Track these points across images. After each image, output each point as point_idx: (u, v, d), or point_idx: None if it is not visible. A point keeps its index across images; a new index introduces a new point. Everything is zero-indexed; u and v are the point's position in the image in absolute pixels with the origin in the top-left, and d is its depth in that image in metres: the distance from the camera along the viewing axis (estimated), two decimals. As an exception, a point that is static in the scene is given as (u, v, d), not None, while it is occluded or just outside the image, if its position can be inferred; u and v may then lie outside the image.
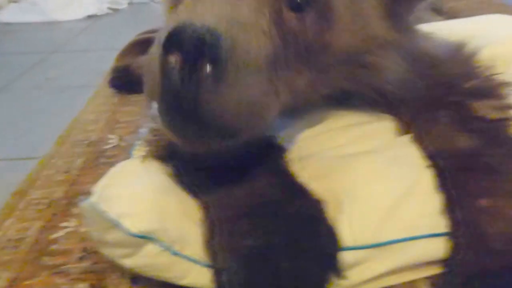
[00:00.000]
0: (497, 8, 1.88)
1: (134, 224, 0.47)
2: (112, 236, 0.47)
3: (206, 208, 0.51)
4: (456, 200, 0.54)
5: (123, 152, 0.91)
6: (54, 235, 0.69)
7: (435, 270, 0.53)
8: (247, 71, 0.43)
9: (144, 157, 0.60)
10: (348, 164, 0.56)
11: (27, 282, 0.60)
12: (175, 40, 0.39)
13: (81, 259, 0.62)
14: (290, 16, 0.48)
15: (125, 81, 1.24)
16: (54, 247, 0.67)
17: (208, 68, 0.39)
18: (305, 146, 0.59)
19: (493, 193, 0.53)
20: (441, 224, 0.53)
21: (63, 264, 0.62)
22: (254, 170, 0.52)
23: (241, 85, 0.43)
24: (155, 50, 0.43)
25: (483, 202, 0.52)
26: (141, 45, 1.41)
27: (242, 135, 0.46)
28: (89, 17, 2.57)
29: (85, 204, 0.49)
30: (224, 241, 0.48)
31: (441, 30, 0.73)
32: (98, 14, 2.64)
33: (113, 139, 0.99)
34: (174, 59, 0.39)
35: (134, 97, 1.21)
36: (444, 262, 0.52)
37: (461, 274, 0.50)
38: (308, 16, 0.49)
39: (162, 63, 0.40)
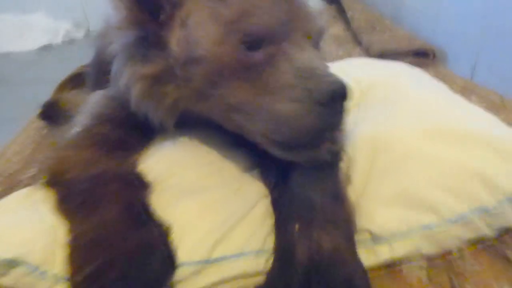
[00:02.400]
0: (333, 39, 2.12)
1: (3, 251, 0.61)
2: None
3: (69, 234, 0.65)
4: (280, 224, 0.70)
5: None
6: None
7: (262, 279, 0.68)
8: None
9: (34, 187, 0.74)
10: (197, 195, 0.72)
11: None
12: (340, 94, 0.63)
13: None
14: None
15: (53, 114, 1.38)
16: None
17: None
18: (165, 178, 0.74)
19: (306, 219, 0.67)
20: (268, 243, 0.69)
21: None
22: (110, 199, 0.67)
23: None
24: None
25: (297, 226, 0.67)
26: (77, 78, 1.57)
27: None
28: (44, 47, 2.71)
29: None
30: (74, 265, 0.62)
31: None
32: (53, 44, 2.78)
33: (32, 171, 1.12)
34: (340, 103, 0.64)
35: (62, 128, 1.34)
36: (266, 275, 0.67)
37: (275, 285, 0.64)
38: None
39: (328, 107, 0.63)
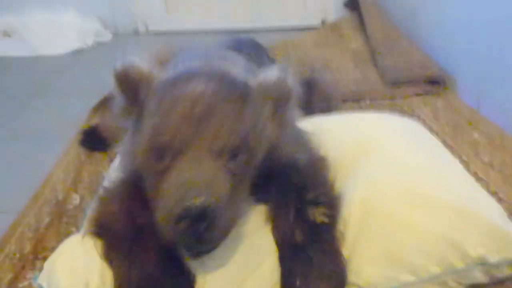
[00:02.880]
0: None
1: (65, 291, 0.79)
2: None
3: (115, 281, 0.84)
4: (284, 277, 0.87)
5: (81, 213, 1.23)
6: (21, 285, 1.01)
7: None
8: (222, 219, 0.77)
9: (82, 234, 0.93)
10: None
11: (0, 322, 0.92)
12: (184, 216, 0.72)
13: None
14: (231, 165, 0.80)
15: (92, 141, 1.57)
16: (21, 293, 0.99)
17: (203, 226, 0.73)
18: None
19: (305, 275, 0.84)
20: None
21: (26, 307, 0.95)
22: (149, 252, 0.85)
23: (221, 226, 0.77)
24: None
25: (298, 279, 0.84)
26: (108, 102, 1.74)
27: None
28: (75, 51, 2.86)
29: (35, 281, 0.81)
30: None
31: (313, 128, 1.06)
32: (84, 48, 2.95)
33: (75, 200, 1.31)
34: (184, 224, 0.73)
35: (99, 155, 1.53)
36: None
37: None
38: (240, 159, 0.81)
39: (176, 225, 0.73)
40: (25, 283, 1.02)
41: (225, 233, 0.81)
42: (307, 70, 1.73)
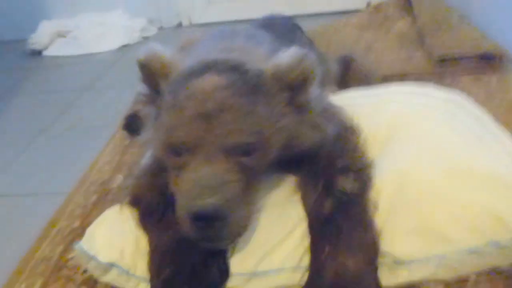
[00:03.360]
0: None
1: (103, 257, 0.86)
2: (92, 264, 0.87)
3: (150, 244, 0.89)
4: (313, 246, 0.88)
5: (122, 191, 1.30)
6: (71, 255, 1.09)
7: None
8: (236, 216, 0.80)
9: (121, 205, 0.99)
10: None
11: (52, 286, 1.00)
12: (198, 217, 0.76)
13: (83, 272, 1.02)
14: (245, 160, 0.82)
15: (134, 126, 1.65)
16: (70, 263, 1.07)
17: (217, 225, 0.77)
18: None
19: (334, 244, 0.85)
20: (303, 260, 0.87)
21: (74, 274, 1.02)
22: None
23: (235, 223, 0.81)
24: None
25: (327, 248, 0.85)
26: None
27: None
28: (123, 46, 3.03)
29: (76, 245, 0.89)
30: (153, 269, 0.85)
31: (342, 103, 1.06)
32: (131, 43, 3.11)
33: (119, 179, 1.39)
34: (199, 224, 0.77)
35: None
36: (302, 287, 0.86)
37: None
38: (255, 155, 0.83)
39: (192, 224, 0.77)
40: (74, 254, 1.10)
41: (240, 229, 0.83)
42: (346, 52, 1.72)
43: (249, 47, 1.02)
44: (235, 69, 0.85)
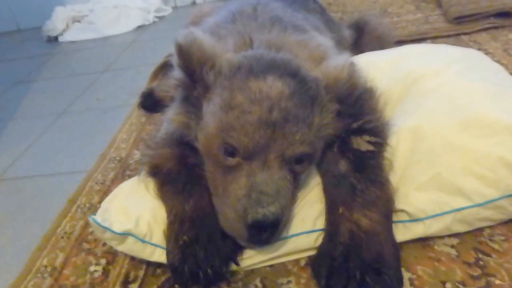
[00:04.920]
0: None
1: (118, 227, 0.86)
2: (107, 235, 0.88)
3: (169, 212, 0.89)
4: (328, 206, 0.86)
5: (140, 162, 1.31)
6: (91, 229, 1.11)
7: (312, 253, 0.86)
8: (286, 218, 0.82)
9: (138, 177, 0.99)
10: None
11: (73, 259, 1.02)
12: (257, 223, 0.76)
13: (103, 245, 1.04)
14: (297, 168, 0.83)
15: (150, 103, 1.65)
16: (90, 237, 1.09)
17: (271, 231, 0.78)
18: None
19: (349, 203, 0.83)
20: (319, 223, 0.86)
21: (94, 247, 1.04)
22: (201, 190, 0.89)
23: (283, 227, 0.83)
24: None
25: (341, 209, 0.83)
26: (166, 67, 1.82)
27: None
28: (138, 28, 3.03)
29: (91, 217, 0.89)
30: (171, 235, 0.85)
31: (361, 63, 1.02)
32: (146, 24, 3.10)
33: (136, 155, 1.40)
34: (256, 231, 0.77)
35: (158, 116, 1.61)
36: (317, 248, 0.85)
37: (324, 257, 0.81)
38: (305, 163, 0.84)
39: (248, 230, 0.77)
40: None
41: (284, 229, 0.84)
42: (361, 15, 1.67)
43: (285, 36, 1.02)
44: (294, 74, 0.85)
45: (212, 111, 0.85)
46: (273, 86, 0.81)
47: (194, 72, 0.88)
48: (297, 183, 0.87)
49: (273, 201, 0.76)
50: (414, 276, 0.80)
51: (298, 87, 0.82)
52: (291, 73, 0.84)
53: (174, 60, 0.91)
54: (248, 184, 0.78)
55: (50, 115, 1.91)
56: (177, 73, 0.92)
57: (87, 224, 1.13)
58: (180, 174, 0.93)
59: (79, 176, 1.38)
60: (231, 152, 0.81)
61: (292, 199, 0.85)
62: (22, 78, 2.47)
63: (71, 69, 2.53)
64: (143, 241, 0.88)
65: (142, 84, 1.88)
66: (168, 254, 0.86)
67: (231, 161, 0.81)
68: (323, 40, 1.10)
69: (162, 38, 2.67)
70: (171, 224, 0.88)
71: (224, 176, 0.82)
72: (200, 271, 0.81)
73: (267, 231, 0.78)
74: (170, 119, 0.98)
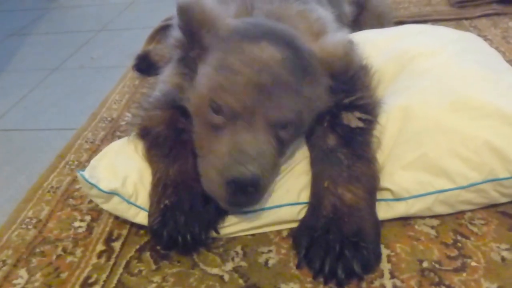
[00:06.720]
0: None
1: (105, 185, 0.85)
2: (94, 192, 0.87)
3: (153, 175, 0.88)
4: (314, 179, 0.86)
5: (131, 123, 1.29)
6: (77, 186, 1.10)
7: (295, 225, 0.86)
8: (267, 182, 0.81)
9: (128, 138, 0.98)
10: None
11: (58, 213, 1.02)
12: (236, 181, 0.74)
13: (89, 202, 1.03)
14: (282, 134, 0.82)
15: (145, 66, 1.62)
16: (76, 193, 1.08)
17: (251, 192, 0.76)
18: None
19: (334, 177, 0.83)
20: (304, 196, 0.86)
21: (80, 204, 1.04)
22: (187, 154, 0.88)
23: (264, 190, 0.81)
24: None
25: (326, 182, 0.83)
26: (162, 31, 1.78)
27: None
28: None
29: (79, 172, 0.88)
30: (153, 198, 0.85)
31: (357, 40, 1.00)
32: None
33: (127, 117, 1.38)
34: (234, 189, 0.75)
35: (152, 79, 1.58)
36: (300, 220, 0.85)
37: (305, 228, 0.82)
38: (290, 130, 0.83)
39: (226, 187, 0.75)
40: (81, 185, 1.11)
41: (264, 194, 0.83)
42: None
43: (286, 7, 1.00)
44: (289, 42, 0.84)
45: (205, 71, 0.84)
46: (266, 50, 0.81)
47: (193, 33, 0.87)
48: (282, 151, 0.86)
49: (254, 162, 0.76)
50: (393, 253, 0.80)
51: (290, 55, 0.82)
52: (286, 42, 0.83)
53: (175, 21, 0.90)
54: (231, 143, 0.78)
55: (43, 70, 1.87)
56: (176, 33, 0.91)
57: (74, 181, 1.12)
58: (168, 138, 0.92)
59: (68, 133, 1.36)
60: (217, 111, 0.80)
61: (275, 166, 0.84)
62: (17, 31, 2.41)
63: (67, 26, 2.47)
64: (128, 202, 0.87)
65: (138, 46, 1.84)
66: (149, 216, 0.85)
67: (217, 118, 0.80)
68: (324, 13, 1.08)
69: (161, 1, 2.61)
70: (154, 187, 0.87)
71: (210, 136, 0.82)
72: (179, 236, 0.81)
73: (247, 193, 0.76)
74: (164, 80, 0.97)
